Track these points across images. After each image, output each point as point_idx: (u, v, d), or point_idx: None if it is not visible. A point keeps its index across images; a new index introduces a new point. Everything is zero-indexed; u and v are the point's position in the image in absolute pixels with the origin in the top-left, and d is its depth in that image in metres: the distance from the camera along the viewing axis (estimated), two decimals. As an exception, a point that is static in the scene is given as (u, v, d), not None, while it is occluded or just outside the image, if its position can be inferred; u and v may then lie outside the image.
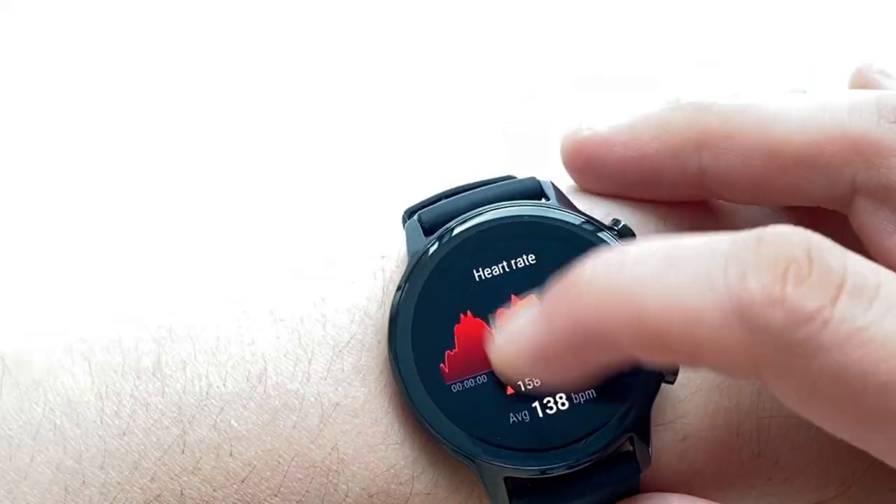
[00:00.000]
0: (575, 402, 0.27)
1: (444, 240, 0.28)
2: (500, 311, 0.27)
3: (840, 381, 0.21)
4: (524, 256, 0.28)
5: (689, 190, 0.29)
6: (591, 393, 0.27)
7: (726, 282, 0.22)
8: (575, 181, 0.31)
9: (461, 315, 0.27)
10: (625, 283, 0.23)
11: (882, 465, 0.29)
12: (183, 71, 0.78)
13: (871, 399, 0.21)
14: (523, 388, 0.27)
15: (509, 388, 0.27)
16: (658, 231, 0.30)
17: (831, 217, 0.28)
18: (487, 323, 0.27)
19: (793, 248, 0.22)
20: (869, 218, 0.27)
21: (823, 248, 0.22)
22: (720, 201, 0.31)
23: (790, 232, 0.22)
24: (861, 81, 0.32)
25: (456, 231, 0.28)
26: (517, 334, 0.25)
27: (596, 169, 0.30)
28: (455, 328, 0.27)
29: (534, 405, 0.27)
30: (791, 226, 0.23)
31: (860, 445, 0.23)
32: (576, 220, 0.28)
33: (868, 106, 0.27)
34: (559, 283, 0.24)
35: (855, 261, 0.22)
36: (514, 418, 0.27)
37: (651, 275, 0.23)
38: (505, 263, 0.28)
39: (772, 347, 0.21)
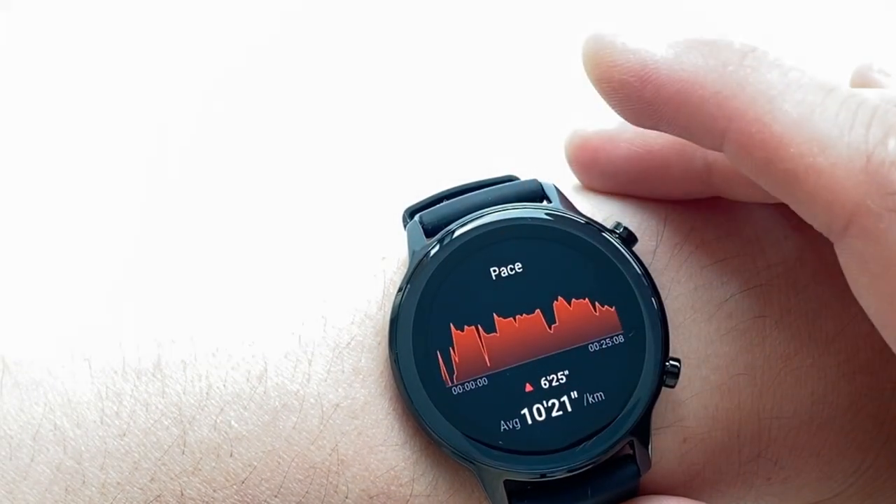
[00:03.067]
0: (576, 405, 0.27)
1: (445, 242, 0.28)
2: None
3: None
4: (524, 260, 0.28)
5: (696, 186, 0.29)
6: (593, 396, 0.27)
7: (867, 132, 0.23)
8: (579, 179, 0.31)
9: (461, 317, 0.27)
10: (770, 82, 0.24)
11: (880, 466, 0.29)
12: (183, 74, 0.78)
13: None
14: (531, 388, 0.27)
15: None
16: (660, 231, 0.30)
17: None
18: (485, 326, 0.27)
19: None
20: None
21: None
22: (726, 199, 0.31)
23: None
24: (861, 81, 0.31)
25: (457, 233, 0.28)
26: (643, 42, 0.26)
27: (601, 165, 0.30)
28: (455, 331, 0.27)
29: (535, 408, 0.27)
30: None
31: None
32: (577, 223, 0.28)
33: None
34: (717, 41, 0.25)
35: None
36: (515, 421, 0.27)
37: (802, 87, 0.24)
38: (506, 266, 0.28)
39: (880, 204, 0.22)
